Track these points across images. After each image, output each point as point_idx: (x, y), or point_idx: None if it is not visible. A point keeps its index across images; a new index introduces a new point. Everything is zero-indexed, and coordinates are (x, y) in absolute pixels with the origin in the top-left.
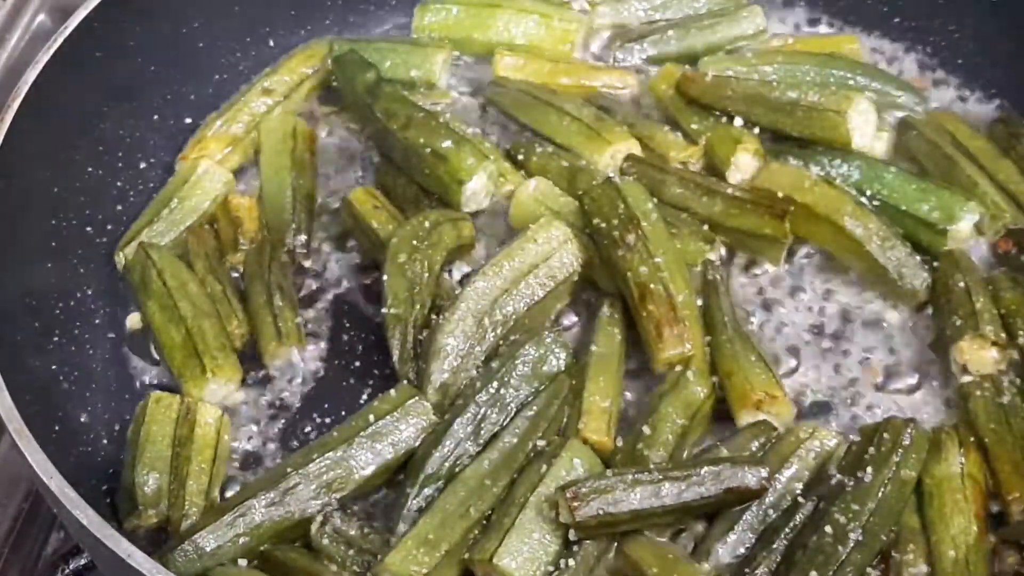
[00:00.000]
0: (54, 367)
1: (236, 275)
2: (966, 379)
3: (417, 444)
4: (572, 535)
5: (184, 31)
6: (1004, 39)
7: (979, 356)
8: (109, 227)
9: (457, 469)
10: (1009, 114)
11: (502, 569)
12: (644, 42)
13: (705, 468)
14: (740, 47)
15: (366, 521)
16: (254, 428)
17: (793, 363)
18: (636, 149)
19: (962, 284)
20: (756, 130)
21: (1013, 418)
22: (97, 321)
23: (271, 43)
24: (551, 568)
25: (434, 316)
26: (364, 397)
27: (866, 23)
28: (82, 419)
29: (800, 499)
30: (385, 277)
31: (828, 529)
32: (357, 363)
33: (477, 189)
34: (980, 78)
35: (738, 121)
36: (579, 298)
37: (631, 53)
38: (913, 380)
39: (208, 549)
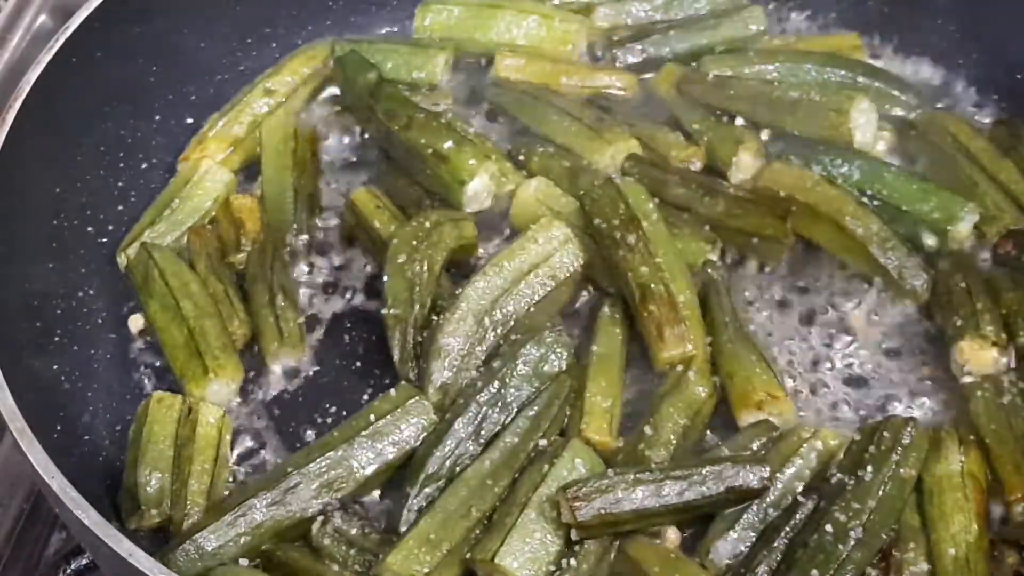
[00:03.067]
0: (56, 367)
1: (238, 275)
2: (966, 379)
3: (418, 444)
4: (574, 535)
5: (185, 31)
6: (1004, 40)
7: (979, 356)
8: (110, 227)
9: (458, 469)
10: (1010, 115)
11: (504, 569)
12: (645, 42)
13: (706, 468)
14: (741, 47)
15: (367, 521)
16: (255, 428)
17: (793, 363)
18: (637, 149)
19: (962, 284)
20: (757, 130)
21: (1014, 418)
22: (99, 321)
23: (273, 44)
24: (553, 568)
25: (435, 316)
26: (365, 397)
27: (866, 23)
28: (84, 419)
29: (800, 498)
30: (385, 277)
31: (828, 528)
32: (358, 363)
33: (479, 189)
34: (980, 78)
35: (739, 121)
36: (579, 298)
37: (632, 53)
38: (913, 380)
39: (209, 548)
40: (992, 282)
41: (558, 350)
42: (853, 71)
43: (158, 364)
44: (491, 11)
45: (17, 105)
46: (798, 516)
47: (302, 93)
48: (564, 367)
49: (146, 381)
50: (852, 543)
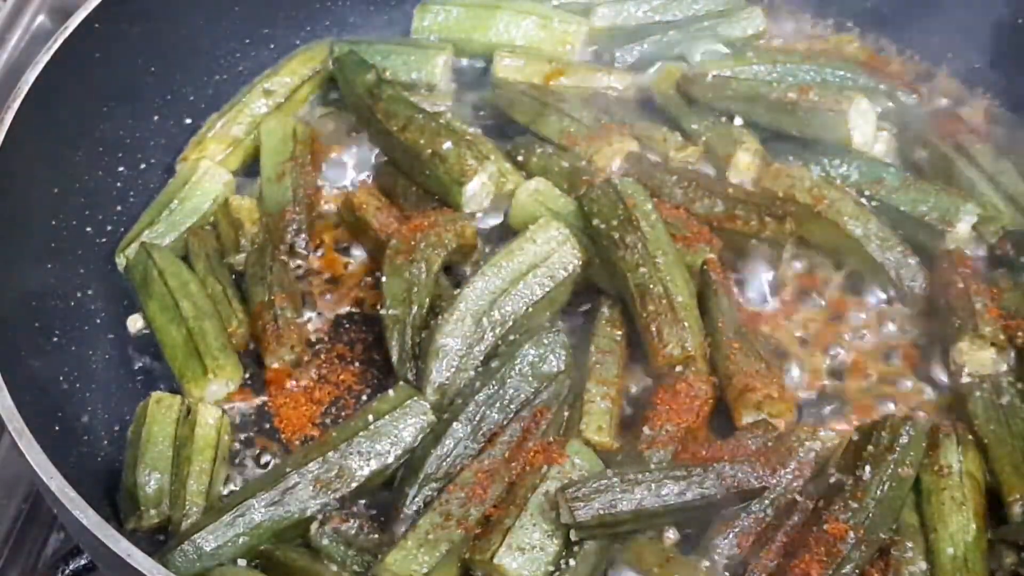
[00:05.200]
0: (54, 367)
1: (237, 276)
2: (966, 379)
3: (416, 444)
4: (573, 535)
5: (184, 32)
6: (1003, 39)
7: (978, 356)
8: (109, 228)
9: (457, 468)
10: (1009, 116)
11: (503, 569)
12: (644, 43)
13: (705, 467)
14: (740, 47)
15: (366, 521)
16: (254, 428)
17: (793, 362)
18: (635, 149)
19: (961, 285)
20: (756, 130)
21: (1012, 419)
22: (97, 321)
23: (271, 44)
24: (552, 568)
25: (433, 316)
26: (364, 397)
27: (866, 23)
28: (82, 419)
29: (800, 498)
30: (384, 278)
31: (827, 527)
32: (357, 363)
33: (477, 190)
34: (980, 79)
35: (738, 121)
36: (579, 298)
37: (631, 54)
38: (912, 380)
39: (208, 549)
40: (991, 282)
41: (556, 350)
42: (853, 71)
43: (157, 365)
44: (490, 12)
45: (16, 105)
46: (796, 516)
47: (301, 94)
48: (562, 367)
49: (145, 381)
50: (851, 542)
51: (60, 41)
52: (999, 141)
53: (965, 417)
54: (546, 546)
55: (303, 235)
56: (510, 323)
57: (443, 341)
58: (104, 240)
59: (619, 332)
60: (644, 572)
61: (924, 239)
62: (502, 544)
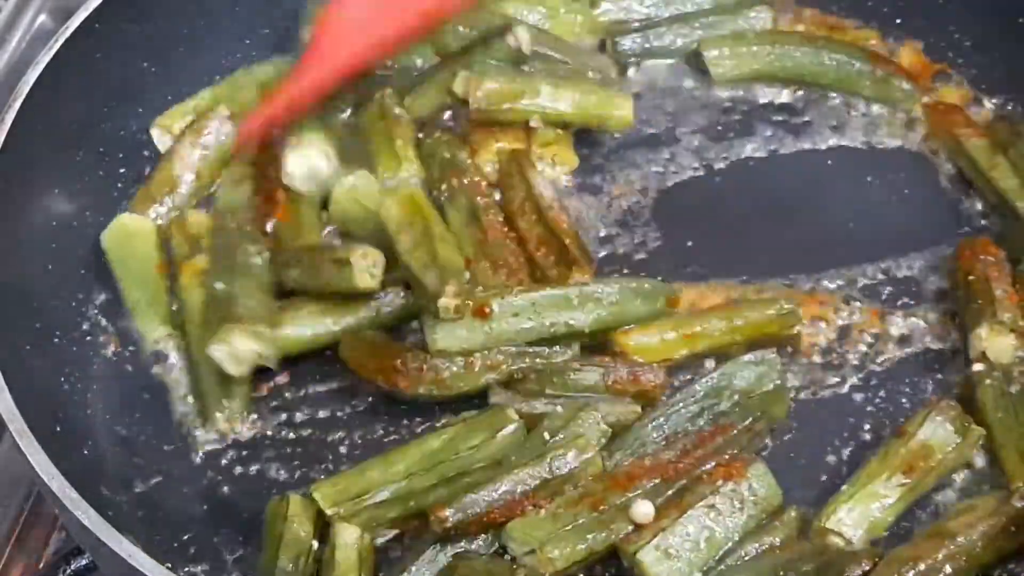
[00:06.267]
0: (55, 368)
1: None
2: (978, 367)
3: None
4: None
5: (184, 31)
6: (1004, 39)
7: (997, 344)
8: None
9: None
10: (1010, 113)
11: (643, 566)
12: (648, 34)
13: None
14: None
15: None
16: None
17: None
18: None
19: (982, 272)
20: None
21: (1021, 407)
22: (99, 322)
23: (272, 44)
24: None
25: None
26: None
27: (866, 22)
28: (83, 420)
29: None
30: None
31: None
32: None
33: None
34: (980, 78)
35: None
36: None
37: (634, 46)
38: (919, 371)
39: None
40: (1012, 269)
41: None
42: (852, 56)
43: (158, 364)
44: (495, 3)
45: (17, 105)
46: None
47: None
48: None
49: (145, 382)
50: None
51: (61, 41)
52: (997, 136)
53: (972, 404)
54: (693, 560)
55: None
56: None
57: None
58: None
59: None
60: None
61: None
62: (650, 543)
